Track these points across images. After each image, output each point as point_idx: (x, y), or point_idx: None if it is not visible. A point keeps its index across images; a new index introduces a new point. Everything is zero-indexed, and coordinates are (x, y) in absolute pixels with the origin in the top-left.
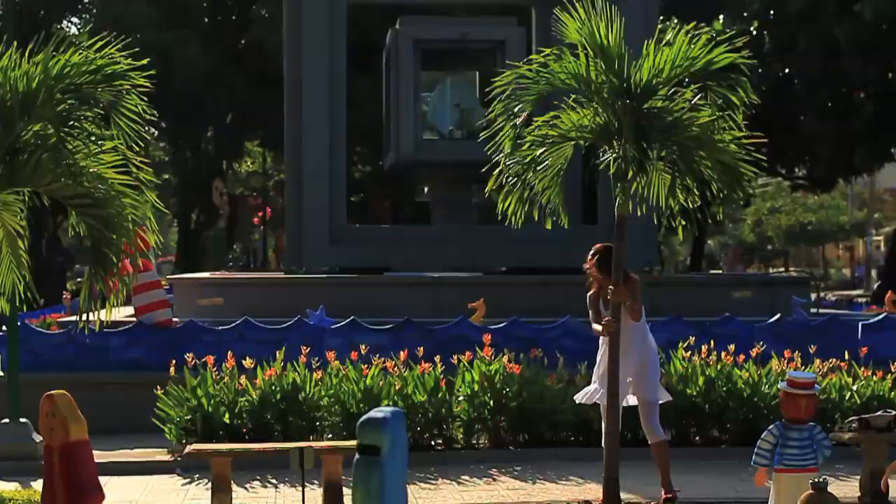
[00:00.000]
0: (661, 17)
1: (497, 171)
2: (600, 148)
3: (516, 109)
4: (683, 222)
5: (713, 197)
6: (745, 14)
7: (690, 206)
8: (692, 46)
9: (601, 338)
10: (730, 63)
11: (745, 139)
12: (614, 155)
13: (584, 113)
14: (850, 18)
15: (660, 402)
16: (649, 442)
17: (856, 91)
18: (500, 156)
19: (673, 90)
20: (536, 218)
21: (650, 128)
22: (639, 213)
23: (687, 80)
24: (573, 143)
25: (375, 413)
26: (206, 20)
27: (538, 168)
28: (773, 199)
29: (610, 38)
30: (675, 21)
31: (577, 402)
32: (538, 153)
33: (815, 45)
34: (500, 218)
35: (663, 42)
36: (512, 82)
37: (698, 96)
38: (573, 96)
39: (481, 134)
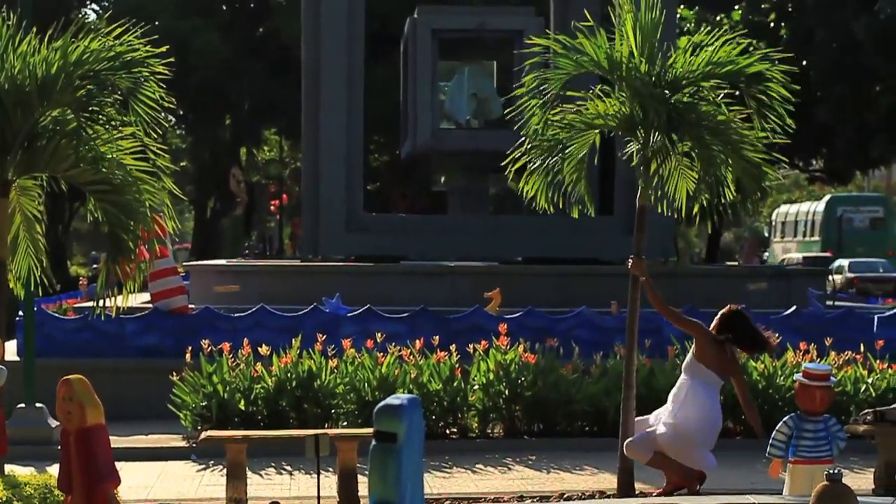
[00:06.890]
0: (680, 6)
1: (518, 152)
2: (621, 137)
3: (543, 89)
4: (706, 216)
5: (732, 193)
6: (762, 5)
7: (708, 201)
8: (731, 52)
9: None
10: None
11: (769, 139)
12: (638, 146)
13: (610, 102)
14: (869, 13)
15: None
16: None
17: (872, 84)
18: (524, 137)
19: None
20: (561, 205)
21: (681, 119)
22: (659, 209)
23: (717, 80)
24: (597, 131)
25: (392, 400)
26: (224, 7)
27: (565, 153)
28: (790, 191)
29: (650, 19)
30: (696, 9)
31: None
32: (563, 137)
33: (832, 38)
34: (522, 203)
35: (688, 40)
36: (541, 54)
37: (722, 94)
38: (598, 86)
39: (507, 111)
